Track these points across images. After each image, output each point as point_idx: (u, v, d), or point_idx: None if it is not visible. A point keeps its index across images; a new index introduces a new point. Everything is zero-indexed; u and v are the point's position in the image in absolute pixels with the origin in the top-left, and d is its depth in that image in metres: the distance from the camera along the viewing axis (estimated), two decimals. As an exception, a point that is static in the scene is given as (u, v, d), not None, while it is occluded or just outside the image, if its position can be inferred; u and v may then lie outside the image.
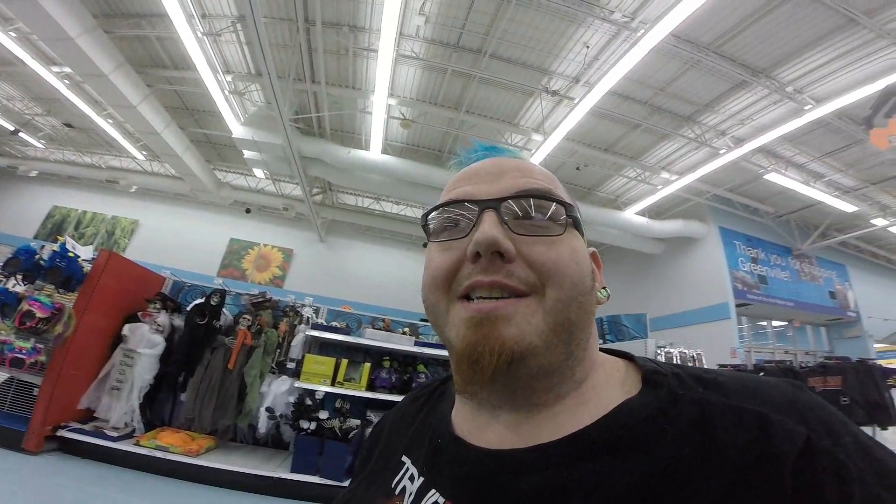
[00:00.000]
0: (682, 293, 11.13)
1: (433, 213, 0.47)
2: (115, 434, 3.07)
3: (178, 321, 3.75)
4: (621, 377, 0.43)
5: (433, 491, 0.41)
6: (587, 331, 0.42)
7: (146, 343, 3.44)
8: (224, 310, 3.89)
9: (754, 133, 7.59)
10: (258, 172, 11.26)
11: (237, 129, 8.35)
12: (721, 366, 6.77)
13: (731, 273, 10.22)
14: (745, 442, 0.31)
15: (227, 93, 7.69)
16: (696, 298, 10.71)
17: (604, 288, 0.48)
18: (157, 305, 3.71)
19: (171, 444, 3.07)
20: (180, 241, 12.10)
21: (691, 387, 0.37)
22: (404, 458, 0.49)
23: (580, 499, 0.32)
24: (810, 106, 6.75)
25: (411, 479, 0.45)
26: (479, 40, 6.67)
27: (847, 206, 9.59)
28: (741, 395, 0.35)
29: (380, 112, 7.36)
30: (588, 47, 6.45)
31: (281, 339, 3.98)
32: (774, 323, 12.16)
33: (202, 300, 3.82)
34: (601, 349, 0.47)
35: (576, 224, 0.45)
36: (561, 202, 0.43)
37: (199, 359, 3.55)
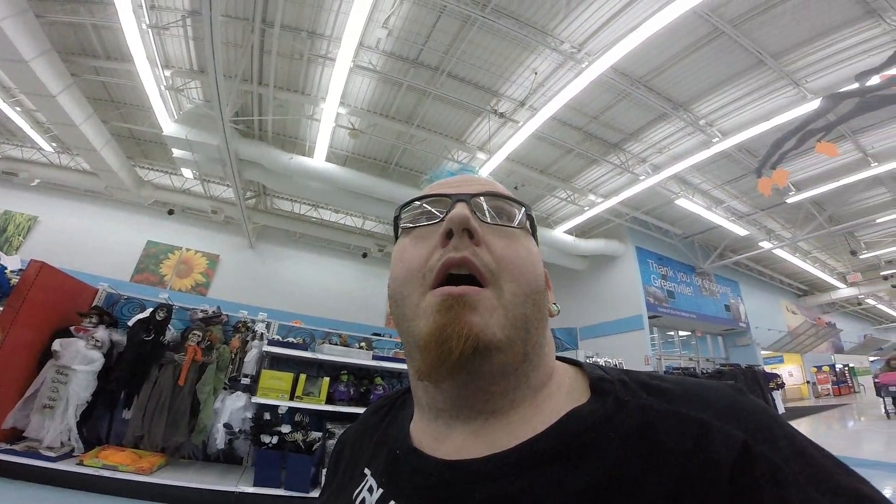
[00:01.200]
0: (602, 306, 12.10)
1: (407, 208, 0.50)
2: (52, 454, 2.79)
3: (117, 336, 3.49)
4: (570, 384, 0.44)
5: (392, 502, 0.42)
6: (542, 333, 0.43)
7: (81, 359, 3.16)
8: (168, 325, 3.70)
9: (670, 161, 8.62)
10: (186, 172, 10.56)
11: (169, 127, 7.83)
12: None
13: (644, 288, 11.35)
14: (686, 448, 0.31)
15: (163, 88, 7.20)
16: (614, 311, 11.71)
17: (554, 303, 0.50)
18: (94, 320, 3.42)
19: (119, 462, 2.86)
20: (88, 241, 10.82)
21: (637, 393, 0.38)
22: (366, 470, 0.49)
23: None
24: (717, 138, 7.85)
25: (370, 490, 0.45)
26: (437, 58, 6.91)
27: (740, 230, 11.15)
28: (683, 401, 0.35)
29: (328, 120, 7.33)
30: (536, 73, 6.98)
31: (234, 355, 3.85)
32: (680, 333, 13.59)
33: (146, 315, 3.60)
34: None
35: (532, 228, 0.49)
36: (521, 203, 0.48)
37: (145, 376, 3.33)
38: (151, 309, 3.67)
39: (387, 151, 9.64)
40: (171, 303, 3.83)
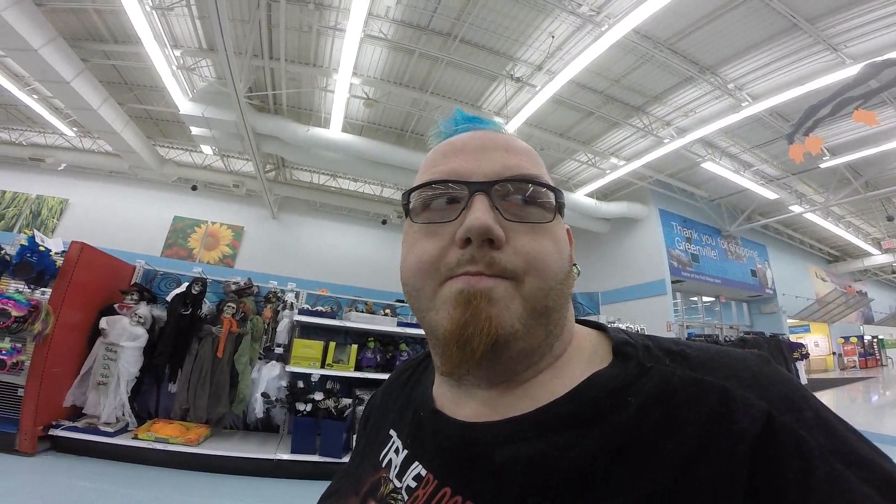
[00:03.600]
0: (625, 270, 11.92)
1: (416, 192, 0.44)
2: (110, 430, 3.02)
3: (158, 312, 3.66)
4: (592, 348, 0.43)
5: (416, 463, 0.42)
6: (563, 311, 0.42)
7: (128, 336, 3.34)
8: (204, 298, 3.85)
9: (696, 124, 8.29)
10: (206, 149, 10.71)
11: (185, 106, 7.88)
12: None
13: (668, 251, 11.12)
14: (706, 416, 0.31)
15: (174, 68, 7.21)
16: (637, 275, 11.54)
17: (574, 264, 0.47)
18: (135, 297, 3.59)
19: (169, 435, 3.07)
20: (118, 219, 11.25)
21: (660, 359, 0.37)
22: (391, 432, 0.50)
23: (549, 469, 0.33)
24: (747, 102, 7.47)
25: (396, 451, 0.46)
26: (449, 24, 6.70)
27: (770, 194, 10.76)
28: (707, 369, 0.35)
29: (342, 91, 7.27)
30: (553, 37, 6.70)
31: (266, 326, 4.01)
32: (704, 298, 13.38)
33: (182, 290, 3.75)
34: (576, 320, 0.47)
35: (559, 210, 0.44)
36: (550, 188, 0.43)
37: (186, 349, 3.51)
38: (187, 283, 3.82)
39: (402, 119, 9.56)
40: (205, 276, 3.96)
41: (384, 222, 13.34)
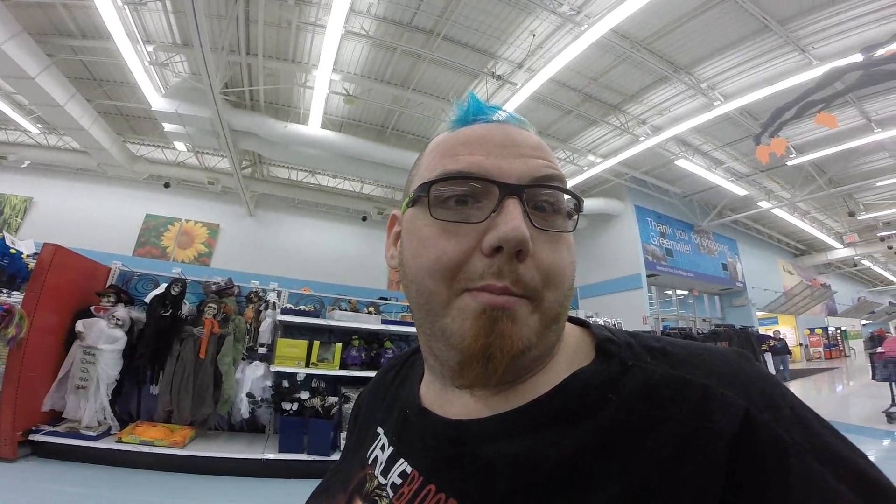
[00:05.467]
0: (602, 265, 12.19)
1: (443, 183, 0.39)
2: (92, 433, 2.95)
3: (136, 313, 3.58)
4: (575, 345, 0.43)
5: (402, 460, 0.43)
6: (567, 313, 0.41)
7: (106, 339, 3.26)
8: (184, 299, 3.78)
9: (670, 123, 8.55)
10: (179, 145, 10.44)
11: (157, 102, 7.69)
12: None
13: (643, 246, 11.43)
14: (687, 413, 0.31)
15: (146, 64, 7.01)
16: (614, 269, 11.83)
17: None
18: (111, 299, 3.50)
19: (154, 437, 3.02)
20: (86, 218, 10.84)
21: (641, 356, 0.37)
22: (379, 430, 0.50)
23: (533, 466, 0.33)
24: (719, 102, 7.74)
25: (382, 448, 0.46)
26: (433, 21, 6.72)
27: (739, 190, 11.20)
28: (688, 366, 0.35)
29: (322, 87, 7.21)
30: (534, 35, 6.81)
31: (249, 326, 3.97)
32: (678, 292, 13.78)
33: (161, 291, 3.67)
34: None
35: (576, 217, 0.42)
36: (576, 196, 0.41)
37: (168, 351, 3.45)
38: (166, 284, 3.74)
39: (383, 116, 9.53)
40: (184, 277, 3.89)
41: (364, 219, 13.24)
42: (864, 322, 20.46)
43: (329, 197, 12.73)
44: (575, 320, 0.47)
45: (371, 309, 4.77)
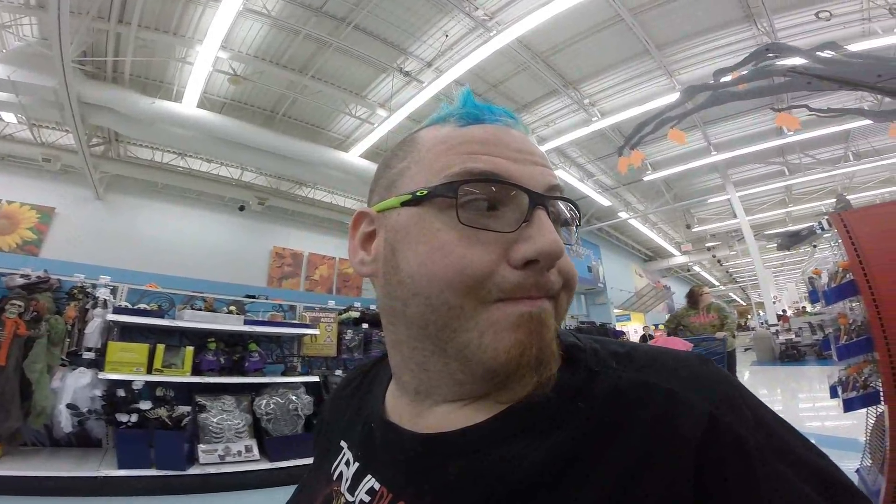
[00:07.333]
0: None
1: (477, 185, 0.36)
2: None
3: None
4: None
5: (369, 476, 0.41)
6: None
7: None
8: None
9: (554, 134, 9.31)
10: (7, 116, 8.49)
11: (-12, 67, 6.18)
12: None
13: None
14: (652, 419, 0.31)
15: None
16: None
17: None
18: None
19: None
20: None
21: (607, 362, 0.37)
22: (342, 443, 0.48)
23: (502, 480, 0.32)
24: (597, 118, 8.60)
25: (347, 464, 0.45)
26: (346, 9, 6.39)
27: (605, 201, 12.63)
28: (652, 371, 0.35)
29: (204, 64, 6.49)
30: (447, 36, 6.85)
31: (70, 327, 3.29)
32: (549, 291, 15.14)
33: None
34: None
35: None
36: (578, 210, 0.43)
37: (-54, 359, 2.70)
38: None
39: (274, 101, 8.74)
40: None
41: (242, 208, 11.99)
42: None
43: (201, 183, 11.07)
44: None
45: (232, 308, 4.25)
